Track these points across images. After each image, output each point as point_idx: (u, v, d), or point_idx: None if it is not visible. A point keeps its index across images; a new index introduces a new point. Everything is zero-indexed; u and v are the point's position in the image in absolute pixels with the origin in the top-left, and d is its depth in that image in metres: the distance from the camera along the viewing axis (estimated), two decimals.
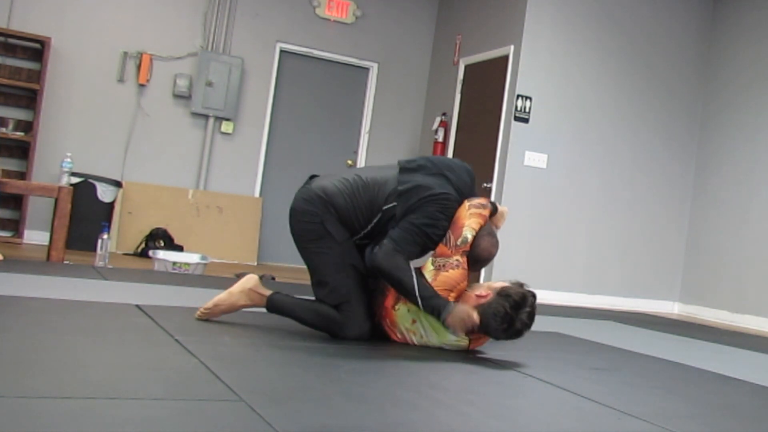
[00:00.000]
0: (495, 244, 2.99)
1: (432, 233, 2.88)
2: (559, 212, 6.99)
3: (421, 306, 2.79)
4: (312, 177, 3.10)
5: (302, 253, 3.01)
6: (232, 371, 2.19)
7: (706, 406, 2.58)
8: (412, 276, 2.79)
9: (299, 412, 1.85)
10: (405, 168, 2.98)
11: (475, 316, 2.74)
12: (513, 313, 2.74)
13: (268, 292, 2.98)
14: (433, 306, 2.78)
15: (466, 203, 2.98)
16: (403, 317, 2.91)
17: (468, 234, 2.89)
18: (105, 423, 1.58)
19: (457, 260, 2.86)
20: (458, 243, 2.88)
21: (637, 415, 2.21)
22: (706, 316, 7.19)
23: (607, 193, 7.27)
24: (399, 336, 2.96)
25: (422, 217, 2.86)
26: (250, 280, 2.99)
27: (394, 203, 2.90)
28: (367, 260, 2.89)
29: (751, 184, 7.00)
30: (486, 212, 3.00)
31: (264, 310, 3.02)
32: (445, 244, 2.89)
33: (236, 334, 2.82)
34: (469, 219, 2.92)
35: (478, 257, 2.95)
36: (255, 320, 3.09)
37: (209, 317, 2.98)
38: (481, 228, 2.94)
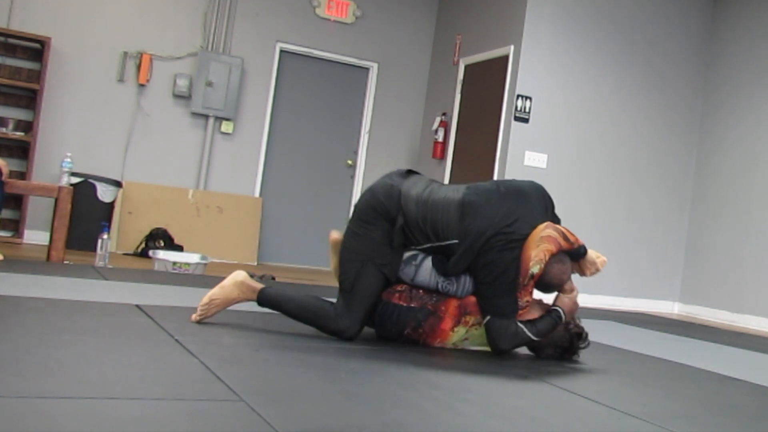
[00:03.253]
0: (566, 271, 2.93)
1: (511, 276, 2.82)
2: (559, 212, 6.96)
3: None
4: (409, 172, 3.06)
5: (347, 230, 2.97)
6: (232, 371, 2.19)
7: (706, 406, 2.58)
8: (528, 334, 2.90)
9: (299, 412, 1.85)
10: (468, 202, 2.86)
11: (575, 294, 3.01)
12: (573, 346, 3.01)
13: (259, 286, 2.96)
14: (549, 330, 2.94)
15: (541, 227, 2.85)
16: (458, 336, 2.99)
17: (534, 269, 2.79)
18: (105, 423, 1.58)
19: (526, 301, 2.93)
20: (524, 282, 2.85)
21: (637, 415, 2.21)
22: (706, 316, 7.19)
23: (607, 193, 7.27)
24: (437, 344, 3.02)
25: (494, 272, 2.80)
26: (239, 274, 2.98)
27: (455, 240, 2.84)
28: (494, 350, 2.93)
29: (751, 184, 7.00)
30: (562, 241, 2.85)
31: (264, 310, 3.02)
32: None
33: (236, 334, 2.82)
34: (536, 249, 2.79)
35: (548, 283, 2.95)
36: (255, 320, 3.09)
37: (205, 316, 2.96)
38: (551, 256, 2.82)
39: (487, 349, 3.03)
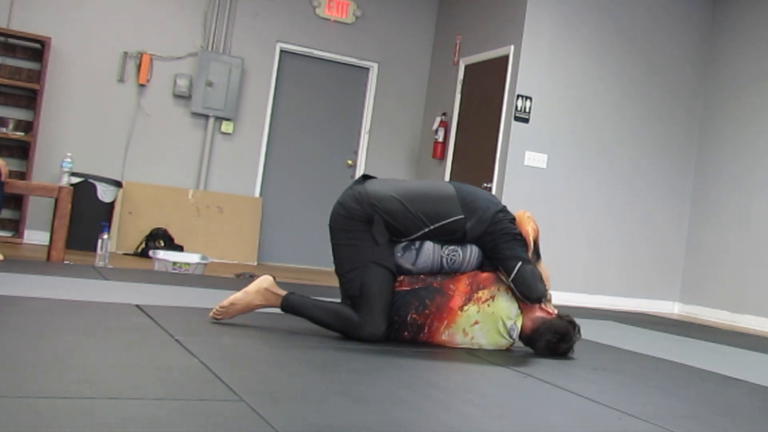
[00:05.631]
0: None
1: (523, 240, 3.07)
2: (560, 212, 6.99)
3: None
4: (365, 177, 3.12)
5: (334, 247, 3.03)
6: (232, 371, 2.19)
7: (706, 406, 2.58)
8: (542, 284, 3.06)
9: (299, 412, 1.85)
10: (464, 190, 3.10)
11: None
12: (569, 334, 3.08)
13: (283, 293, 2.97)
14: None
15: (521, 211, 3.19)
16: (468, 319, 2.96)
17: (532, 241, 3.10)
18: (105, 423, 1.58)
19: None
20: (529, 254, 3.09)
21: (637, 415, 2.21)
22: (706, 316, 7.19)
23: (607, 192, 7.27)
24: (445, 337, 2.99)
25: (512, 232, 3.03)
26: (265, 280, 2.99)
27: (461, 216, 2.99)
28: (530, 294, 3.01)
29: (751, 184, 7.00)
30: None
31: (271, 311, 3.02)
32: None
33: (236, 334, 2.82)
34: (529, 226, 3.13)
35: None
36: (255, 321, 3.09)
37: (223, 317, 2.97)
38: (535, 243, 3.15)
39: (492, 346, 3.02)
